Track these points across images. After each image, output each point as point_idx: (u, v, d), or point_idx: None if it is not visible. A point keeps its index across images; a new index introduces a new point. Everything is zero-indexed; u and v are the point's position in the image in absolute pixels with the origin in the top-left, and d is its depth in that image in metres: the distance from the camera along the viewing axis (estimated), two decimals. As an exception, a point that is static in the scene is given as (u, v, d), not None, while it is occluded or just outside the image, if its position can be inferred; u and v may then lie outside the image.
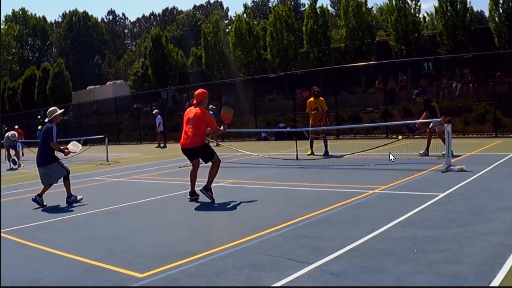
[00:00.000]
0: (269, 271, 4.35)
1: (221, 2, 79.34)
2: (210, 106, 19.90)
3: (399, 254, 4.61)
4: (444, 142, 10.87)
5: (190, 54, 40.44)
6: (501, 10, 21.06)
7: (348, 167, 11.59)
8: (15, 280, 4.59)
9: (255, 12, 60.26)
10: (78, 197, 8.84)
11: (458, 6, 22.54)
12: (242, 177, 11.02)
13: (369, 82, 25.32)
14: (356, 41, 25.61)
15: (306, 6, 31.46)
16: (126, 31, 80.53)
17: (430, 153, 12.25)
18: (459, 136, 18.02)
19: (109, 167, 15.72)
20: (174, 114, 31.02)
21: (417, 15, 24.87)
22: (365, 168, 11.09)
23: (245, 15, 30.42)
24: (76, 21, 65.88)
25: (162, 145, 24.79)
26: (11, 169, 17.86)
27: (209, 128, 8.27)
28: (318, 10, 27.03)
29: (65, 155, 9.32)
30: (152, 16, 78.87)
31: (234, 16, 38.32)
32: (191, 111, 8.23)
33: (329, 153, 13.92)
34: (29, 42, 64.00)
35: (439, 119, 11.45)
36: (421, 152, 12.42)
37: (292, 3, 57.95)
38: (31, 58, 62.48)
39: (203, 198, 8.09)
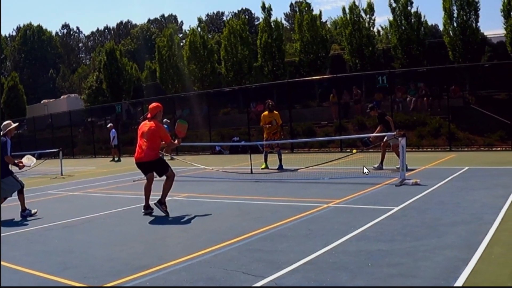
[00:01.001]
0: (224, 285, 4.35)
1: (175, 16, 79.14)
2: (164, 120, 19.96)
3: (353, 268, 4.59)
4: (398, 155, 10.89)
5: (145, 67, 39.94)
6: (455, 24, 21.29)
7: (302, 181, 11.66)
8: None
9: (209, 26, 60.20)
10: (33, 211, 8.87)
11: (413, 20, 22.71)
12: (197, 191, 10.98)
13: (323, 96, 25.41)
14: (310, 54, 25.64)
15: (261, 20, 31.53)
16: (80, 44, 79.36)
17: (384, 167, 12.28)
18: (414, 150, 18.20)
19: (64, 181, 15.64)
20: (129, 128, 30.96)
21: (371, 29, 24.99)
22: (319, 182, 11.06)
23: (199, 29, 30.15)
24: (31, 34, 64.33)
25: (116, 158, 24.61)
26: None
27: (163, 142, 8.34)
28: (272, 24, 27.00)
29: (20, 168, 9.42)
30: (106, 30, 77.92)
31: (188, 30, 38.01)
32: (145, 125, 8.30)
33: (284, 167, 13.95)
34: (-17, 56, 61.76)
35: (393, 133, 11.52)
36: (375, 165, 12.43)
37: (247, 17, 58.35)
38: (-15, 72, 60.15)
39: (157, 212, 8.11)
